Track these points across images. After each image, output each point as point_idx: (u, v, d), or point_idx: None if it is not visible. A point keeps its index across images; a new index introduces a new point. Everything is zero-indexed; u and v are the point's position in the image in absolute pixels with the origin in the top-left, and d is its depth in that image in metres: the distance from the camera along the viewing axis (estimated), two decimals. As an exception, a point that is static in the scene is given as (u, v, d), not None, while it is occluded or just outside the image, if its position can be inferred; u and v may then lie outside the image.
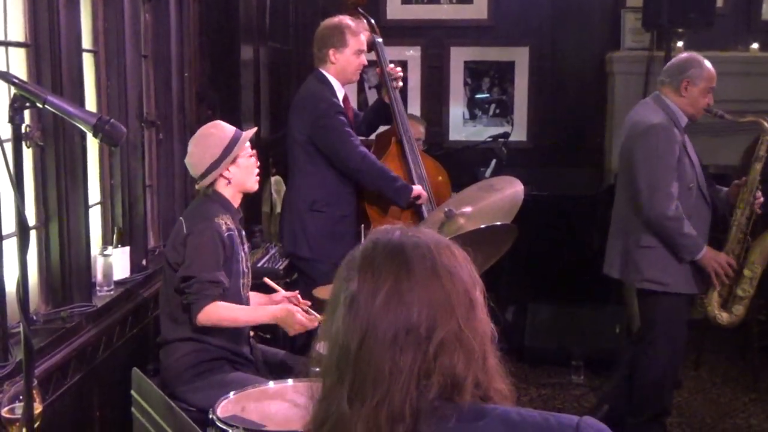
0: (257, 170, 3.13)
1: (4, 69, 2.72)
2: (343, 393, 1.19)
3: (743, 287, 3.79)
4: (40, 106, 1.65)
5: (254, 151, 3.12)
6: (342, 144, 3.87)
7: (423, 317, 1.17)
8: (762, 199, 3.82)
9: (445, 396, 1.16)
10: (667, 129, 3.72)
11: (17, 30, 2.81)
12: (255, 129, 3.22)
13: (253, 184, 3.12)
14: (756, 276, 3.80)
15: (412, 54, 6.30)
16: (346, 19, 4.00)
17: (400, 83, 4.18)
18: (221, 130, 3.05)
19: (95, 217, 3.40)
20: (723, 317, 3.82)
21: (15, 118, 1.63)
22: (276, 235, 4.57)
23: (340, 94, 3.99)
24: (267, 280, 3.27)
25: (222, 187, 3.05)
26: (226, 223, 2.96)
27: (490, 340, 1.24)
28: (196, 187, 3.10)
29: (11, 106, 1.64)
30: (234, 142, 3.02)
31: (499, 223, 2.78)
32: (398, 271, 1.20)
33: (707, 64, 3.81)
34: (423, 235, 1.27)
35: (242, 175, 3.06)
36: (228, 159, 2.99)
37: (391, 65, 4.16)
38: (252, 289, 3.26)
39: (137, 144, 3.59)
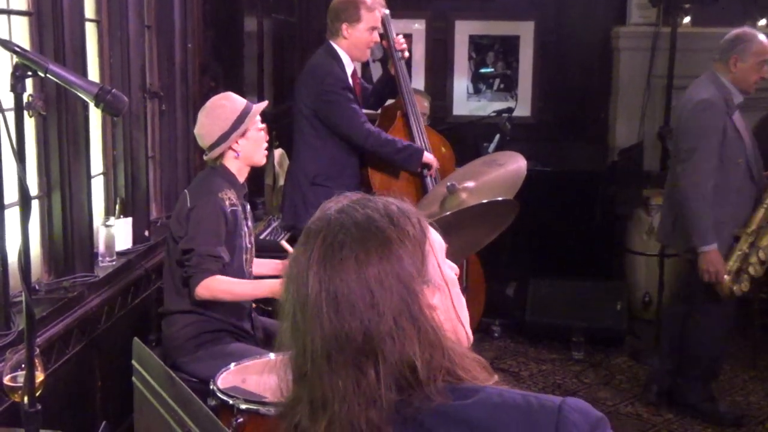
0: (266, 144, 3.12)
1: (7, 38, 2.71)
2: (305, 407, 1.15)
3: (756, 267, 3.85)
4: (42, 75, 1.65)
5: (264, 125, 3.11)
6: (347, 120, 3.85)
7: (354, 323, 1.10)
8: None
9: (404, 393, 1.11)
10: (713, 105, 3.77)
11: (20, -2, 2.80)
12: (266, 103, 3.20)
13: (261, 158, 3.11)
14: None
15: (417, 27, 6.26)
16: None
17: (406, 54, 4.15)
18: (233, 102, 3.04)
19: (98, 187, 3.41)
20: (730, 291, 3.86)
21: (17, 86, 1.63)
22: (278, 208, 4.57)
23: (349, 69, 3.96)
24: (283, 243, 3.28)
25: (230, 160, 3.04)
26: (230, 198, 2.96)
27: (443, 325, 1.16)
28: (205, 158, 3.08)
29: (13, 74, 1.63)
30: (245, 114, 3.00)
31: (500, 198, 2.77)
32: (324, 270, 1.12)
33: (760, 38, 3.83)
34: (352, 214, 1.16)
35: (251, 148, 3.04)
36: (238, 132, 2.98)
37: (398, 36, 4.13)
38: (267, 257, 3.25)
39: (140, 115, 3.59)
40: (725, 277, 3.81)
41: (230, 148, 3.01)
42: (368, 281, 1.11)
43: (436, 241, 1.21)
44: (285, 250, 3.24)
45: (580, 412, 1.10)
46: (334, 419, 1.10)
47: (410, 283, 1.13)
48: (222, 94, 3.13)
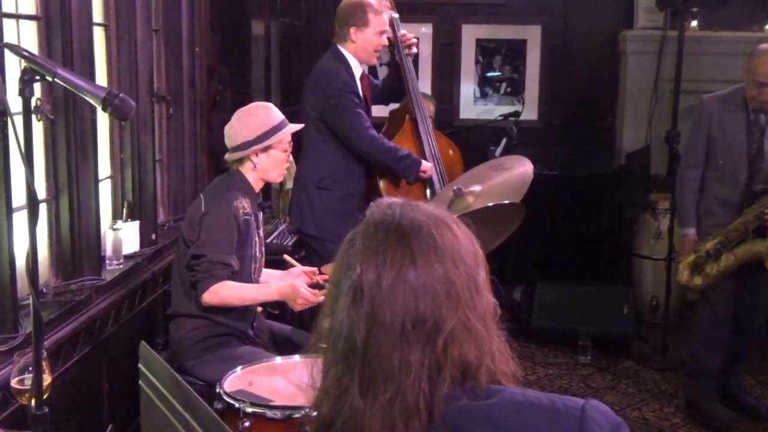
0: (287, 165, 3.11)
1: (15, 42, 2.72)
2: (353, 386, 1.17)
3: (713, 267, 3.99)
4: (50, 79, 1.65)
5: (290, 146, 3.10)
6: (350, 124, 3.85)
7: (429, 309, 1.14)
8: None
9: (457, 385, 1.15)
10: (703, 105, 4.05)
11: (28, 3, 2.81)
12: (301, 126, 3.19)
13: (277, 177, 3.11)
14: (728, 265, 3.94)
15: (424, 31, 6.26)
16: None
17: (414, 50, 4.16)
18: (268, 114, 3.03)
19: (105, 191, 3.42)
20: (684, 276, 4.09)
21: (25, 91, 1.63)
22: (285, 212, 4.57)
23: (357, 73, 3.96)
24: (287, 257, 3.29)
25: (247, 169, 3.04)
26: (244, 207, 2.95)
27: (494, 321, 1.22)
28: (225, 157, 3.09)
29: (21, 79, 1.64)
30: (275, 131, 2.99)
31: (507, 201, 2.77)
32: (402, 258, 1.16)
33: (762, 54, 3.84)
34: (422, 212, 1.22)
35: (269, 165, 3.04)
36: (260, 145, 2.98)
37: (405, 32, 4.14)
38: (270, 266, 3.26)
39: (147, 119, 3.60)
40: (682, 263, 4.06)
41: (249, 158, 3.01)
42: (445, 276, 1.16)
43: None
44: (288, 263, 3.25)
45: (602, 414, 1.14)
46: (398, 393, 1.13)
47: (476, 285, 1.20)
48: (263, 103, 3.16)
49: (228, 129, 3.04)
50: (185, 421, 1.43)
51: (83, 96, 1.71)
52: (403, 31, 4.12)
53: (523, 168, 3.17)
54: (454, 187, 3.15)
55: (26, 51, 1.67)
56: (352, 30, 3.89)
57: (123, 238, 3.32)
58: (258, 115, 3.03)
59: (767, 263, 3.88)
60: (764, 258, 3.88)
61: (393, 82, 4.23)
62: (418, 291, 1.15)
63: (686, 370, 4.38)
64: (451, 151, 4.27)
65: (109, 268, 3.24)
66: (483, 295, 1.21)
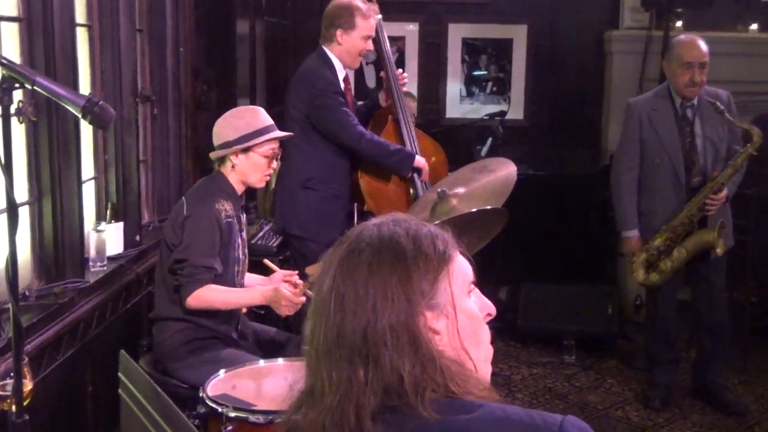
0: (269, 171, 3.10)
1: (-3, 43, 2.71)
2: (303, 397, 1.22)
3: (667, 262, 4.10)
4: (29, 87, 1.65)
5: (277, 153, 3.09)
6: (338, 123, 3.85)
7: (354, 327, 1.17)
8: (717, 205, 4.02)
9: (393, 399, 1.15)
10: (631, 107, 4.22)
11: (10, 4, 2.80)
12: (290, 134, 3.20)
13: (256, 182, 3.09)
14: (681, 259, 4.08)
15: (411, 29, 6.26)
16: (358, 0, 3.93)
17: (405, 81, 4.16)
18: (255, 117, 3.03)
19: (89, 192, 3.40)
20: (639, 275, 4.17)
21: (3, 99, 1.63)
22: (270, 211, 4.57)
23: (341, 75, 3.96)
24: (267, 261, 3.29)
25: (228, 170, 3.03)
26: (226, 209, 2.95)
27: (444, 351, 1.20)
28: (210, 155, 3.08)
29: (0, 86, 1.63)
30: (258, 133, 2.99)
31: (489, 207, 2.78)
32: (338, 275, 1.20)
33: (682, 40, 4.10)
34: (378, 232, 1.24)
35: (248, 168, 3.02)
36: (239, 146, 2.97)
37: (400, 71, 4.14)
38: (250, 269, 3.26)
39: (131, 119, 3.58)
40: (635, 263, 4.16)
41: (229, 158, 3.01)
42: (374, 288, 1.18)
43: (459, 272, 1.25)
44: (268, 268, 3.25)
45: (580, 430, 1.13)
46: (326, 409, 1.16)
47: (413, 301, 1.18)
48: (253, 107, 3.18)
49: (215, 127, 3.07)
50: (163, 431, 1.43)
51: (63, 104, 1.70)
52: (397, 70, 4.13)
53: (506, 170, 3.18)
54: (438, 190, 3.16)
55: (5, 59, 1.66)
56: (339, 32, 3.89)
57: (107, 239, 3.31)
58: (243, 117, 3.03)
59: (719, 250, 4.00)
60: (713, 245, 4.00)
61: (372, 111, 4.24)
62: (347, 304, 1.18)
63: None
64: (435, 153, 4.27)
65: (92, 269, 3.22)
66: (424, 315, 1.19)
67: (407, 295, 1.18)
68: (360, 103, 4.31)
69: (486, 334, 1.28)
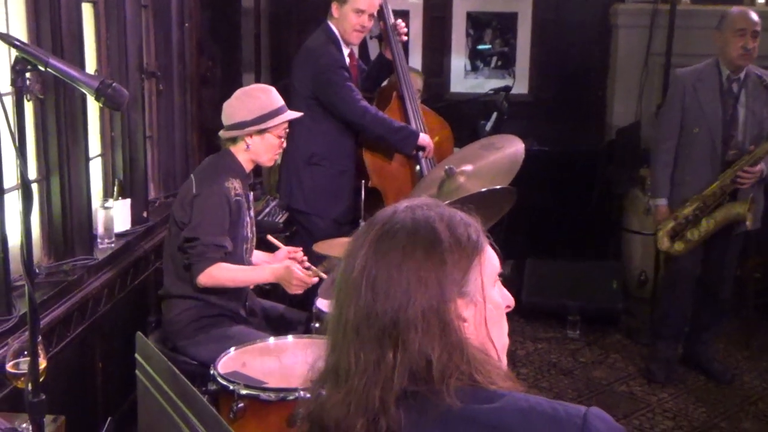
0: (279, 151, 3.10)
1: (3, 18, 2.70)
2: (326, 376, 1.23)
3: (694, 232, 4.10)
4: (42, 69, 1.64)
5: (286, 133, 3.09)
6: (343, 99, 3.85)
7: (385, 309, 1.16)
8: (751, 177, 3.99)
9: (419, 384, 1.16)
10: (677, 77, 4.20)
11: (16, -19, 2.78)
12: (300, 114, 3.18)
13: (267, 161, 3.10)
14: (708, 229, 4.08)
15: (414, 3, 6.21)
16: None
17: (405, 38, 4.14)
18: (269, 97, 3.02)
19: (96, 169, 3.41)
20: (664, 244, 4.19)
21: (17, 81, 1.62)
22: (275, 188, 4.57)
23: (346, 51, 3.95)
24: (270, 237, 3.29)
25: (239, 150, 3.03)
26: (235, 188, 2.95)
27: (470, 338, 1.21)
28: (219, 133, 3.08)
29: (13, 68, 1.63)
30: (273, 114, 2.99)
31: (498, 186, 2.78)
32: (370, 256, 1.20)
33: (735, 10, 4.11)
34: (412, 216, 1.23)
35: (262, 149, 3.03)
36: (255, 128, 2.97)
37: (398, 21, 4.12)
38: (258, 244, 3.27)
39: (137, 95, 3.58)
40: (661, 230, 4.17)
41: (243, 139, 3.00)
42: (408, 272, 1.18)
43: (489, 262, 1.26)
44: (272, 245, 3.26)
45: (604, 422, 1.14)
46: (352, 390, 1.17)
47: (446, 287, 1.19)
48: (265, 86, 3.14)
49: (226, 106, 3.03)
50: (182, 412, 1.45)
51: (76, 86, 1.69)
52: (395, 20, 4.09)
53: (514, 148, 3.18)
54: (446, 167, 3.16)
55: (18, 40, 1.65)
56: (335, 5, 3.90)
57: (114, 216, 3.32)
58: (258, 97, 3.01)
59: (748, 223, 3.99)
60: (744, 218, 3.99)
61: (380, 69, 4.21)
62: (379, 286, 1.18)
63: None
64: (441, 130, 4.26)
65: (100, 247, 3.24)
66: (455, 302, 1.20)
67: (440, 281, 1.18)
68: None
69: (506, 325, 1.30)
